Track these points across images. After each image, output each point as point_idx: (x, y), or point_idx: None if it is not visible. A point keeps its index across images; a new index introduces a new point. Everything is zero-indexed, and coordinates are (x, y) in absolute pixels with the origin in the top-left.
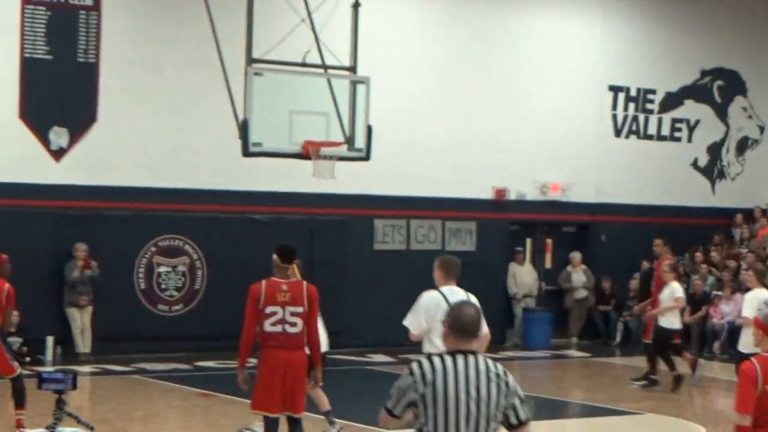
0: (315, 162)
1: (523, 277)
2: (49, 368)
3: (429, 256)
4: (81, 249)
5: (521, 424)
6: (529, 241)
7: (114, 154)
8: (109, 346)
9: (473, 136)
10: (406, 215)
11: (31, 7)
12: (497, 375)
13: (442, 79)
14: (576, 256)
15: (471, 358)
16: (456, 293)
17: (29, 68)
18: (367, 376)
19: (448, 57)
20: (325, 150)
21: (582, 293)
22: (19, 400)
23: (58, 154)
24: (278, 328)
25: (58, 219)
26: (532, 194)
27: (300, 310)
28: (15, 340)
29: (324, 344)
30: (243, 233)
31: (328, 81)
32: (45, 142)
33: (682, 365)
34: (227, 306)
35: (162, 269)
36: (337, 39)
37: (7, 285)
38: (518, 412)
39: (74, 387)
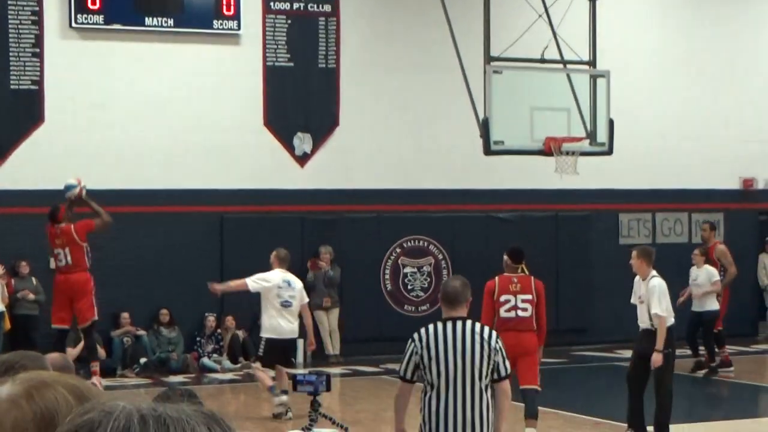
0: (557, 158)
1: None
2: (301, 370)
3: (676, 249)
4: (324, 251)
5: (501, 378)
6: None
7: (356, 157)
8: (357, 348)
9: (717, 125)
10: (651, 208)
11: (272, 16)
12: (481, 337)
13: (683, 68)
14: None
15: (459, 323)
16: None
17: (272, 77)
18: (614, 373)
19: (688, 45)
20: (567, 146)
21: None
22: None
23: (302, 159)
24: (512, 314)
25: (303, 224)
26: None
27: (530, 297)
28: None
29: (289, 331)
30: (487, 232)
31: (568, 76)
32: (290, 148)
33: None
34: (474, 304)
35: (408, 270)
36: (575, 33)
37: (72, 225)
38: (500, 368)
39: (328, 389)
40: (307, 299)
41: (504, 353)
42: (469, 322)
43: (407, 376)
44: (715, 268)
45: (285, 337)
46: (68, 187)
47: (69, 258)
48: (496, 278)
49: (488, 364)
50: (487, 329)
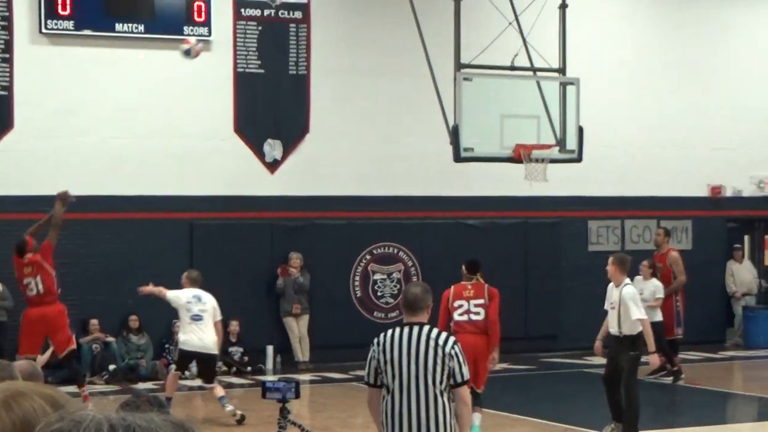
0: (527, 165)
1: (741, 275)
2: (271, 377)
3: (645, 256)
4: (295, 258)
5: (458, 384)
6: (747, 238)
7: (327, 163)
8: (326, 354)
9: (687, 133)
10: (620, 216)
11: (243, 22)
12: (436, 343)
13: (654, 76)
14: None
15: (416, 328)
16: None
17: (243, 83)
18: (584, 379)
19: (658, 54)
20: (536, 153)
21: None
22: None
23: (272, 166)
24: (465, 318)
25: (273, 230)
26: (748, 190)
27: (482, 301)
28: (236, 350)
29: (200, 346)
30: (457, 239)
31: (538, 83)
32: (260, 154)
33: None
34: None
35: (377, 276)
36: (545, 41)
37: (38, 254)
38: (456, 375)
39: (297, 396)
40: (220, 317)
41: (461, 359)
42: (426, 327)
43: (371, 381)
44: (668, 275)
45: (195, 350)
46: (186, 51)
47: (41, 286)
48: (452, 287)
49: (442, 369)
50: (444, 335)
